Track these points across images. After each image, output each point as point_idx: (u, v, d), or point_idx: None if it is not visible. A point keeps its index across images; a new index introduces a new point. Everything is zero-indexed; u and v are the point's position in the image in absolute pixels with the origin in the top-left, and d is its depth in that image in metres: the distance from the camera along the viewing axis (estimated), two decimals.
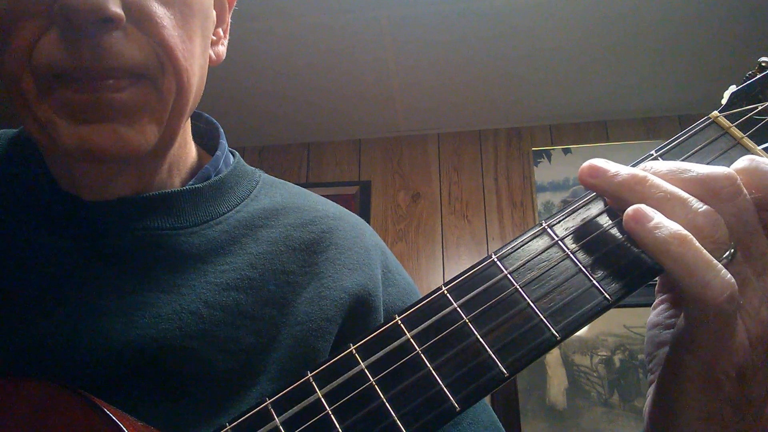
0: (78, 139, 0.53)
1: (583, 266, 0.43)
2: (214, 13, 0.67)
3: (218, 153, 0.72)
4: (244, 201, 0.70)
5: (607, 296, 0.42)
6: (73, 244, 0.59)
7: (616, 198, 0.44)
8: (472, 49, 2.31)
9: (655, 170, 0.42)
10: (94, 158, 0.54)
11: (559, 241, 0.45)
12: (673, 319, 0.49)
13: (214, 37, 0.69)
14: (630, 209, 0.41)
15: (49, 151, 0.61)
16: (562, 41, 2.26)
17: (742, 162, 0.42)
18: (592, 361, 2.28)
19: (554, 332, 0.41)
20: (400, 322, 0.44)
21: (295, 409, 0.42)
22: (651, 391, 0.48)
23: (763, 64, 0.45)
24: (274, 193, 0.74)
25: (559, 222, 0.46)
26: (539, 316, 0.42)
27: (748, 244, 0.41)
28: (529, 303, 0.43)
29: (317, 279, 0.67)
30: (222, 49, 0.71)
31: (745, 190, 0.40)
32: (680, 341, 0.44)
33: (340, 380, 0.43)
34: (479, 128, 2.81)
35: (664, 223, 0.40)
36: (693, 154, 0.45)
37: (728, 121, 0.45)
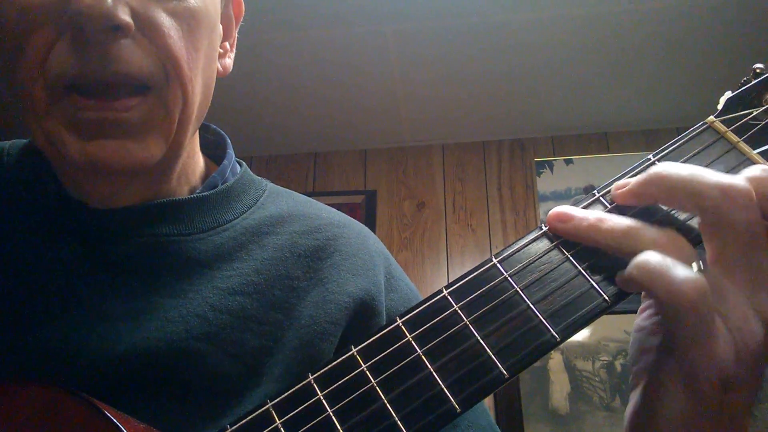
0: (84, 154, 0.53)
1: (583, 268, 0.43)
2: (221, 27, 0.67)
3: (225, 162, 0.72)
4: (251, 209, 0.70)
5: (606, 298, 0.41)
6: (81, 251, 0.59)
7: (585, 240, 0.44)
8: (476, 63, 2.31)
9: (674, 172, 0.41)
10: (100, 171, 0.55)
11: (559, 244, 0.44)
12: (657, 324, 0.48)
13: (221, 50, 0.69)
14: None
15: (57, 162, 0.61)
16: (564, 55, 2.27)
17: (755, 171, 0.41)
18: (594, 366, 2.27)
19: (554, 333, 0.41)
20: (401, 324, 0.44)
21: (297, 410, 0.42)
22: (634, 395, 0.46)
23: (758, 71, 0.45)
24: (280, 201, 0.74)
25: None
26: (539, 317, 0.41)
27: (750, 256, 0.40)
28: (529, 305, 0.42)
29: (322, 284, 0.67)
30: (228, 62, 0.71)
31: (756, 200, 0.40)
32: (662, 345, 0.43)
33: (341, 382, 0.42)
34: (483, 139, 2.81)
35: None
36: (689, 158, 0.45)
37: (724, 126, 0.44)
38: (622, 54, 2.25)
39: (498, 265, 0.44)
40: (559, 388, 2.25)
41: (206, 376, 0.57)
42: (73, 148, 0.53)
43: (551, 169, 2.66)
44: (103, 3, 0.49)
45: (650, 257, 0.39)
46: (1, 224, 0.60)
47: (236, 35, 0.73)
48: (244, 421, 0.42)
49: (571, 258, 0.43)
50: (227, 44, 0.71)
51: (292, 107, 2.57)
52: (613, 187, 0.45)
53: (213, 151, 0.76)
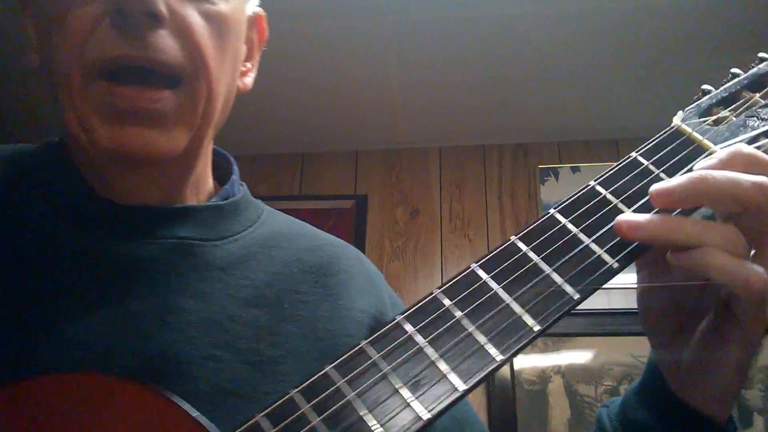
0: (112, 140, 0.62)
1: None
2: (245, 47, 0.77)
3: (234, 177, 0.82)
4: (255, 224, 0.78)
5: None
6: (108, 248, 0.66)
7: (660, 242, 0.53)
8: (478, 61, 2.35)
9: (719, 176, 0.51)
10: (126, 160, 0.63)
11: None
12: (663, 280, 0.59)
13: (243, 68, 0.79)
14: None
15: (85, 150, 0.67)
16: (573, 54, 2.30)
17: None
18: (596, 391, 2.31)
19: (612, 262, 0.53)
20: (438, 295, 0.52)
21: (356, 371, 0.49)
22: (685, 353, 0.58)
23: (706, 91, 0.67)
24: (280, 219, 0.84)
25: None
26: (598, 251, 0.54)
27: None
28: (587, 244, 0.55)
29: (331, 299, 0.75)
30: (249, 80, 0.81)
31: None
32: (727, 317, 0.54)
33: (394, 344, 0.50)
34: (483, 143, 2.84)
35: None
36: (665, 152, 0.60)
37: (689, 128, 0.61)
38: (635, 54, 2.28)
39: (556, 214, 0.61)
40: (559, 413, 2.29)
41: (224, 380, 0.63)
42: (101, 133, 0.61)
43: (556, 177, 2.71)
44: None
45: (724, 257, 0.50)
46: (27, 220, 0.66)
47: (258, 58, 0.84)
48: (305, 384, 0.48)
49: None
50: (249, 64, 0.82)
51: (279, 103, 2.57)
52: (652, 191, 0.54)
53: (217, 172, 0.85)
